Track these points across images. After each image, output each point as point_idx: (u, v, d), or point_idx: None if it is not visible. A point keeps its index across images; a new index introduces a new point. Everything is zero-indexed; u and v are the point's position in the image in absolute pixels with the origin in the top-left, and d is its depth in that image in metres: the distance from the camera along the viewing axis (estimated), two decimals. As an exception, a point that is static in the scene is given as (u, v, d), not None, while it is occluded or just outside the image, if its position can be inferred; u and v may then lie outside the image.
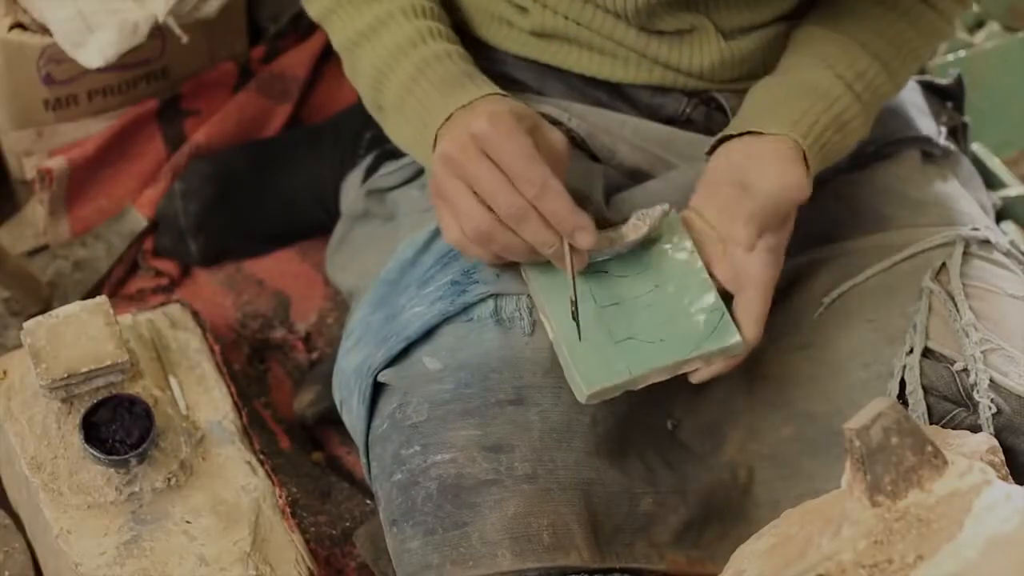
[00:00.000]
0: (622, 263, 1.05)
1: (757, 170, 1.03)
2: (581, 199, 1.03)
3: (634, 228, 1.05)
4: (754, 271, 1.02)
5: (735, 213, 1.03)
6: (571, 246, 0.99)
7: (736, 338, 1.02)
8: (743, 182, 1.03)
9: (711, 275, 1.04)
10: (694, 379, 1.04)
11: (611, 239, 1.04)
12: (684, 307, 1.03)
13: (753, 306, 1.02)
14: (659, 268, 1.05)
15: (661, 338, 1.02)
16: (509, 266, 1.06)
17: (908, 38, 1.12)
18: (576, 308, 1.00)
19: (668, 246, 1.05)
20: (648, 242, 1.05)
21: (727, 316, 1.03)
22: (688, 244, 1.05)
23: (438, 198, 1.02)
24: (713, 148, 1.08)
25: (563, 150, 1.03)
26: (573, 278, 1.00)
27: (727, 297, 1.04)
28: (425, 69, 1.06)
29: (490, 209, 0.98)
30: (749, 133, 1.05)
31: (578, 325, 1.00)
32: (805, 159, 1.04)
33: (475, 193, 0.98)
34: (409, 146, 1.10)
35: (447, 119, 1.02)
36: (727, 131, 1.07)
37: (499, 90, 1.05)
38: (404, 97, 1.07)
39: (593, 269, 1.03)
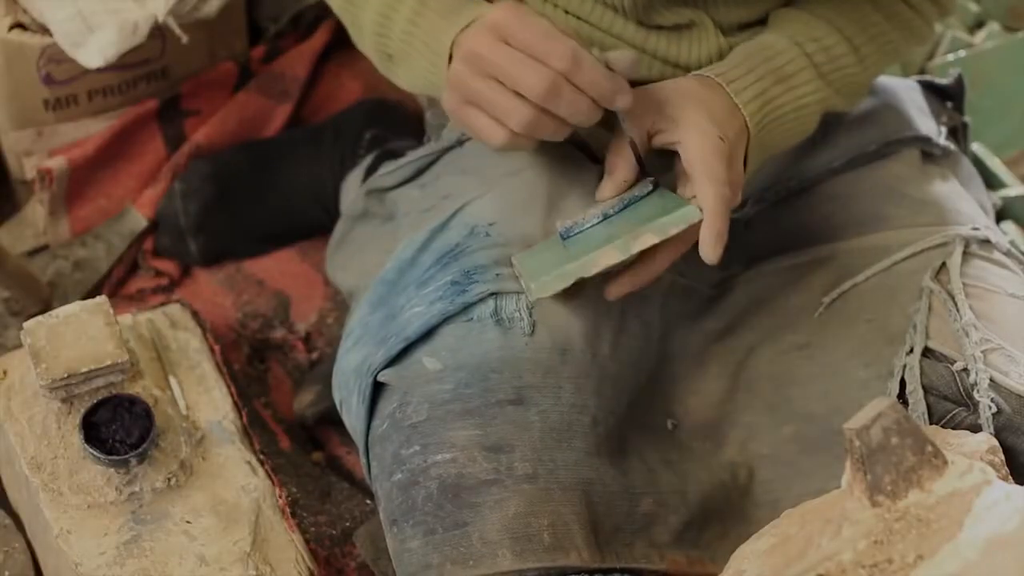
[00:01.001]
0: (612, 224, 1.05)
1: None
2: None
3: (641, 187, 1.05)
4: (688, 156, 1.01)
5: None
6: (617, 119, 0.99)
7: (683, 205, 0.99)
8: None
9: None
10: (704, 252, 1.00)
11: (595, 213, 1.05)
12: (638, 210, 1.03)
13: (699, 172, 1.00)
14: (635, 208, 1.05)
15: (620, 230, 1.01)
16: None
17: (876, 21, 1.11)
18: (651, 179, 1.03)
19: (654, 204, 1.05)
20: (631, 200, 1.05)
21: (671, 195, 1.01)
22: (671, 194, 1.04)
23: (466, 106, 1.00)
24: None
25: (575, 36, 1.01)
26: (634, 144, 1.01)
27: None
28: (427, 1, 1.05)
29: (525, 99, 0.96)
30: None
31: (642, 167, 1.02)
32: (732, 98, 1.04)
33: (505, 87, 0.97)
34: (424, 83, 1.08)
35: (459, 33, 1.01)
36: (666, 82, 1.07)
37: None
38: (411, 32, 1.06)
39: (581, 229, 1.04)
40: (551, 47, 0.95)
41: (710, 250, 0.99)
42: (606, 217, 1.04)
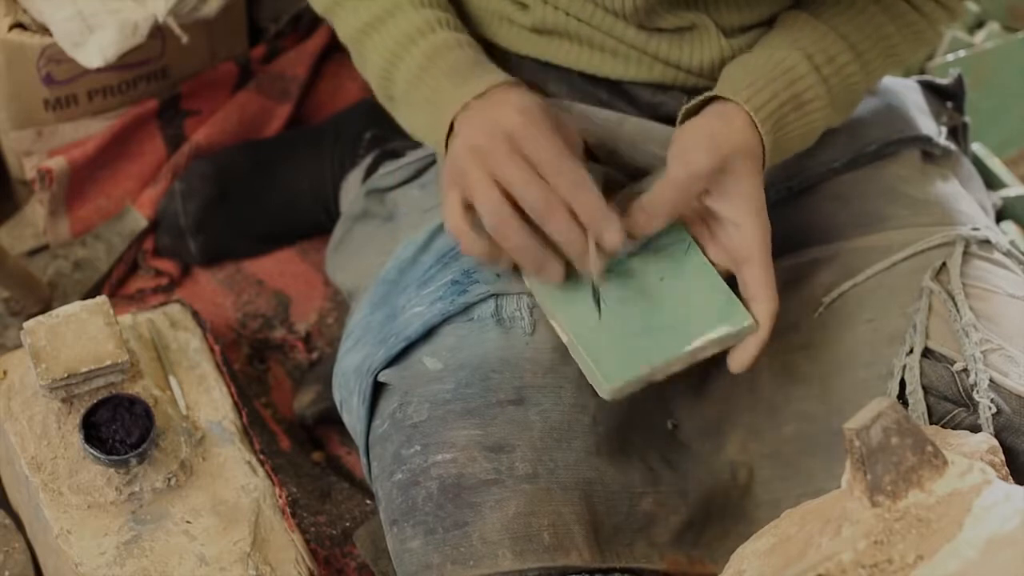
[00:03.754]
0: (624, 259, 1.05)
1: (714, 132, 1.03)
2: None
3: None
4: (746, 243, 1.01)
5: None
6: (596, 245, 0.99)
7: (746, 319, 1.01)
8: (681, 147, 1.03)
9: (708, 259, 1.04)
10: (734, 367, 1.02)
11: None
12: (690, 295, 1.03)
13: (758, 276, 1.01)
14: (660, 260, 1.04)
15: (674, 328, 1.01)
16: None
17: (887, 33, 1.11)
18: (599, 304, 1.01)
19: (665, 237, 1.05)
20: (657, 241, 1.05)
21: (732, 297, 1.02)
22: (685, 235, 1.05)
23: (451, 184, 1.01)
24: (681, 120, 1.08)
25: (580, 141, 1.04)
26: (597, 277, 1.00)
27: (731, 280, 1.04)
28: (435, 58, 1.06)
29: (511, 203, 0.98)
30: (712, 100, 1.05)
31: (599, 308, 1.01)
32: (756, 127, 1.03)
33: (498, 186, 0.98)
34: (423, 135, 1.10)
35: (463, 107, 1.02)
36: (691, 103, 1.07)
37: (509, 77, 1.05)
38: (415, 85, 1.07)
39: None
40: (560, 167, 0.97)
41: (746, 360, 1.02)
42: (629, 255, 1.04)
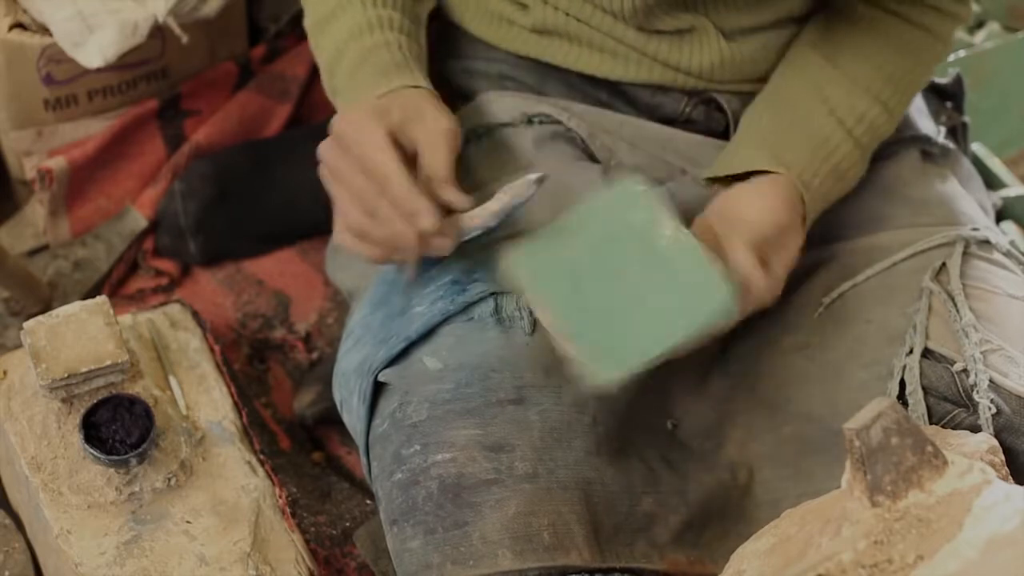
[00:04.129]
0: (610, 245, 1.01)
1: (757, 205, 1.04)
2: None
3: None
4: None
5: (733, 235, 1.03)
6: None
7: (727, 298, 0.98)
8: (743, 217, 1.04)
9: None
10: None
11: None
12: (678, 279, 1.00)
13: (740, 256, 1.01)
14: (647, 246, 1.02)
15: (663, 316, 0.99)
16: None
17: (907, 69, 1.12)
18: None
19: (651, 221, 1.01)
20: (633, 221, 1.01)
21: (718, 275, 0.99)
22: (670, 218, 1.01)
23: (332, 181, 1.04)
24: (714, 178, 1.10)
25: (445, 133, 1.02)
26: (411, 268, 1.03)
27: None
28: (368, 57, 1.07)
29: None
30: (753, 173, 1.07)
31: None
32: (803, 203, 1.06)
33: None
34: None
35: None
36: (730, 169, 1.08)
37: (421, 82, 1.06)
38: (350, 82, 1.08)
39: (581, 252, 1.01)
40: (370, 163, 0.99)
41: None
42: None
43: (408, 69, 1.07)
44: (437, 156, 1.00)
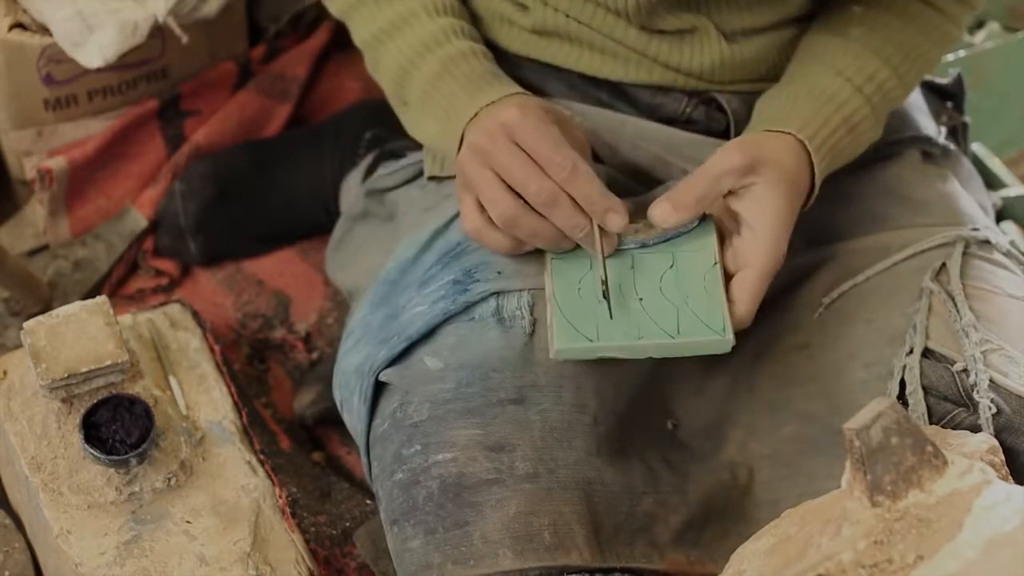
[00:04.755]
0: (642, 252, 1.05)
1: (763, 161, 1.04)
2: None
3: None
4: (754, 253, 1.03)
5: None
6: (601, 229, 1.02)
7: (724, 335, 1.01)
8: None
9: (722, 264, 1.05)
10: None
11: (638, 228, 1.05)
12: (685, 296, 1.03)
13: (751, 283, 1.02)
14: (676, 258, 1.05)
15: (647, 318, 1.02)
16: (512, 261, 1.06)
17: (917, 43, 1.12)
18: (607, 288, 1.01)
19: (691, 241, 1.05)
20: (675, 235, 1.05)
21: (723, 311, 1.02)
22: (711, 242, 1.05)
23: (463, 188, 1.04)
24: None
25: (586, 142, 1.07)
26: (604, 261, 1.02)
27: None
28: (450, 66, 1.08)
29: (516, 196, 1.00)
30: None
31: (609, 305, 1.01)
32: (811, 159, 1.05)
33: (502, 181, 1.01)
34: (434, 141, 1.12)
35: (474, 116, 1.05)
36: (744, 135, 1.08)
37: (523, 90, 1.07)
38: (429, 93, 1.09)
39: (616, 254, 1.04)
40: (554, 155, 1.00)
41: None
42: (644, 245, 1.05)
43: (506, 78, 1.10)
44: (586, 161, 1.03)
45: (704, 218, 1.06)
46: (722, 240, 1.06)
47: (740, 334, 1.07)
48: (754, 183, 1.03)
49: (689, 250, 1.05)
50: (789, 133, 1.06)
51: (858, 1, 1.13)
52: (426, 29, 1.10)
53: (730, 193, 1.04)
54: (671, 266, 1.04)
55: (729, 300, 1.03)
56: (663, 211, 1.03)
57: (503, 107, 1.03)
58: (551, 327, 1.02)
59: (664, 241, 1.05)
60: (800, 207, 1.06)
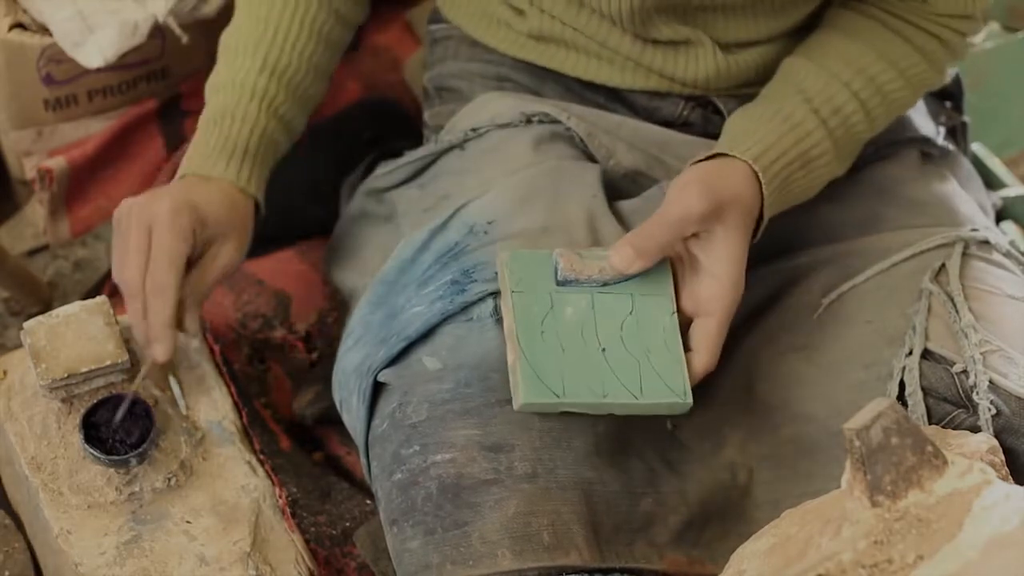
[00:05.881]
0: (601, 293, 1.04)
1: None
2: (477, 184, 1.10)
3: (597, 265, 1.04)
4: (717, 299, 1.02)
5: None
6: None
7: (683, 398, 1.01)
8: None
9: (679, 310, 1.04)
10: None
11: (599, 268, 1.04)
12: (645, 351, 1.02)
13: (711, 332, 1.02)
14: (635, 303, 1.04)
15: (609, 375, 1.01)
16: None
17: (894, 87, 1.11)
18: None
19: (648, 284, 1.04)
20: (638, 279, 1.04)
21: (683, 372, 1.02)
22: (669, 285, 1.04)
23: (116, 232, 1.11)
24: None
25: (225, 265, 1.14)
26: (143, 378, 1.12)
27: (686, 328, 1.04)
28: (226, 116, 1.15)
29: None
30: (717, 156, 1.05)
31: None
32: (758, 181, 1.04)
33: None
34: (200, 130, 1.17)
35: (181, 176, 1.14)
36: (696, 158, 1.07)
37: (239, 181, 1.15)
38: (212, 116, 1.15)
39: (577, 290, 1.03)
40: (158, 267, 1.07)
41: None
42: (604, 284, 1.04)
43: (250, 165, 1.16)
44: (207, 277, 1.12)
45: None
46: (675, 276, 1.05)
47: (740, 334, 1.07)
48: (715, 229, 1.02)
49: (648, 293, 1.04)
50: (745, 161, 1.04)
51: (843, 32, 1.12)
52: (255, 84, 1.15)
53: (691, 236, 1.03)
54: (631, 312, 1.03)
55: (688, 348, 1.02)
56: (625, 258, 1.01)
57: (168, 194, 1.09)
58: (515, 373, 1.00)
59: (623, 281, 1.04)
60: (751, 230, 1.05)
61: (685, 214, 1.00)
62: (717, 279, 1.02)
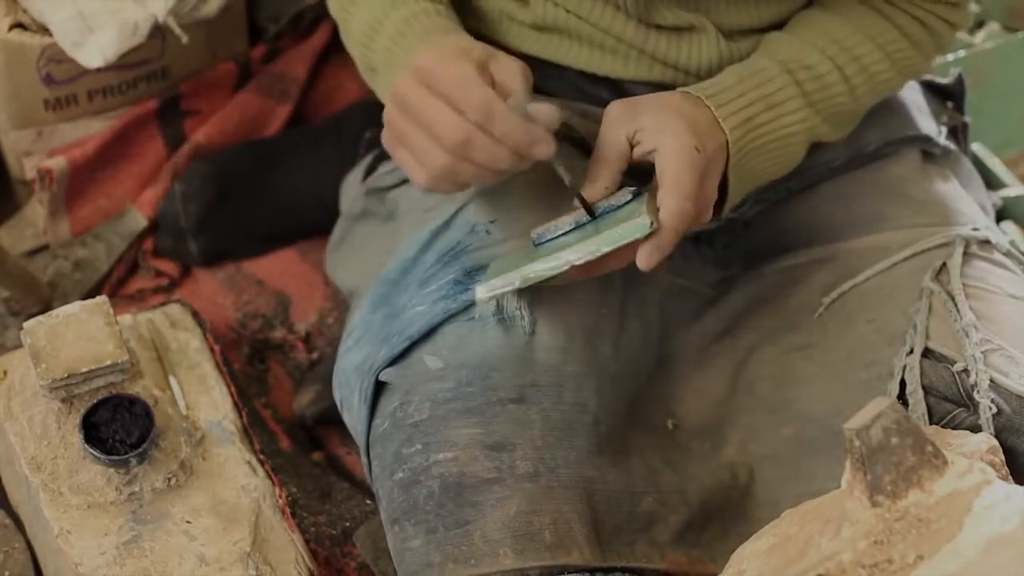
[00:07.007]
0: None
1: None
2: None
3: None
4: (663, 164, 1.00)
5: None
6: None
7: (641, 219, 0.97)
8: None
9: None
10: (640, 264, 0.99)
11: (573, 219, 1.03)
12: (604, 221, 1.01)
13: (668, 186, 0.99)
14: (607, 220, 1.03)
15: (577, 244, 1.00)
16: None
17: (875, 60, 1.11)
18: (584, 202, 1.01)
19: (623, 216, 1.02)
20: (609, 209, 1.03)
21: (642, 209, 0.98)
22: (645, 218, 1.00)
23: (395, 143, 1.01)
24: None
25: (523, 68, 1.01)
26: (574, 184, 1.01)
27: None
28: (412, 22, 1.07)
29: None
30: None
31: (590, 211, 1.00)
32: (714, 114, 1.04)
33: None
34: None
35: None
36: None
37: (470, 38, 1.05)
38: (392, 51, 1.07)
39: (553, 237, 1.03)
40: (465, 96, 0.96)
41: (643, 259, 0.98)
42: (578, 225, 1.02)
43: (457, 29, 1.07)
44: (518, 89, 0.99)
45: (638, 194, 1.02)
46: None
47: (740, 333, 1.07)
48: (646, 127, 1.01)
49: (623, 219, 1.01)
50: (688, 92, 1.04)
51: (825, 9, 1.12)
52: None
53: (635, 145, 1.02)
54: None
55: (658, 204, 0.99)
56: (597, 191, 1.02)
57: (421, 53, 0.99)
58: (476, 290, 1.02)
59: (597, 217, 1.02)
60: (720, 160, 1.03)
61: (606, 122, 1.01)
62: (660, 153, 1.00)
